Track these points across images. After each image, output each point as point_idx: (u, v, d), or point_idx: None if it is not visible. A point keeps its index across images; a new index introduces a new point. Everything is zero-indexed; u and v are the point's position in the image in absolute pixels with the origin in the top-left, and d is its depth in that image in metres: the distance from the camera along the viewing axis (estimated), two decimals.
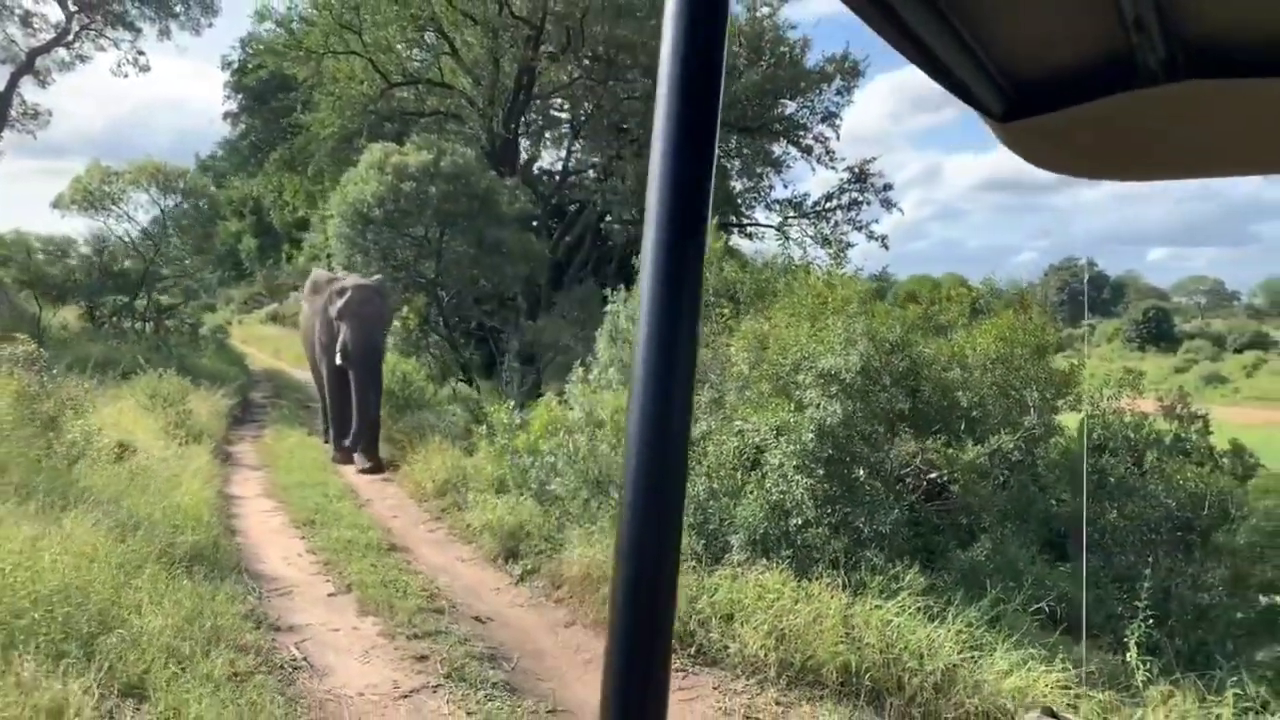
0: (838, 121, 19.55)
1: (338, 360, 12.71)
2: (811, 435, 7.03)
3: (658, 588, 0.75)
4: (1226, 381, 46.67)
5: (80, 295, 18.46)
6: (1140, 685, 5.67)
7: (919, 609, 6.21)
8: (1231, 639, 6.46)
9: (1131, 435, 8.16)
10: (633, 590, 0.75)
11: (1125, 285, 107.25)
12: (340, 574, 7.32)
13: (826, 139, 19.67)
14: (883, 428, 7.44)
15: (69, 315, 21.05)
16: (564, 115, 23.24)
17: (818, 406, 7.21)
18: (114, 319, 19.59)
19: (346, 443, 12.74)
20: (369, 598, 6.75)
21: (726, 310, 10.23)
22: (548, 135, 23.87)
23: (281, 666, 5.34)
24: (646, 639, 0.76)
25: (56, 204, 18.05)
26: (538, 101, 21.41)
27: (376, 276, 14.30)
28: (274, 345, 34.08)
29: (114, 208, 17.88)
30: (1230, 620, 6.56)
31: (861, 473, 7.16)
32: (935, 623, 6.10)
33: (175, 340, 19.29)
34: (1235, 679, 5.64)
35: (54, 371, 9.93)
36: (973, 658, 5.78)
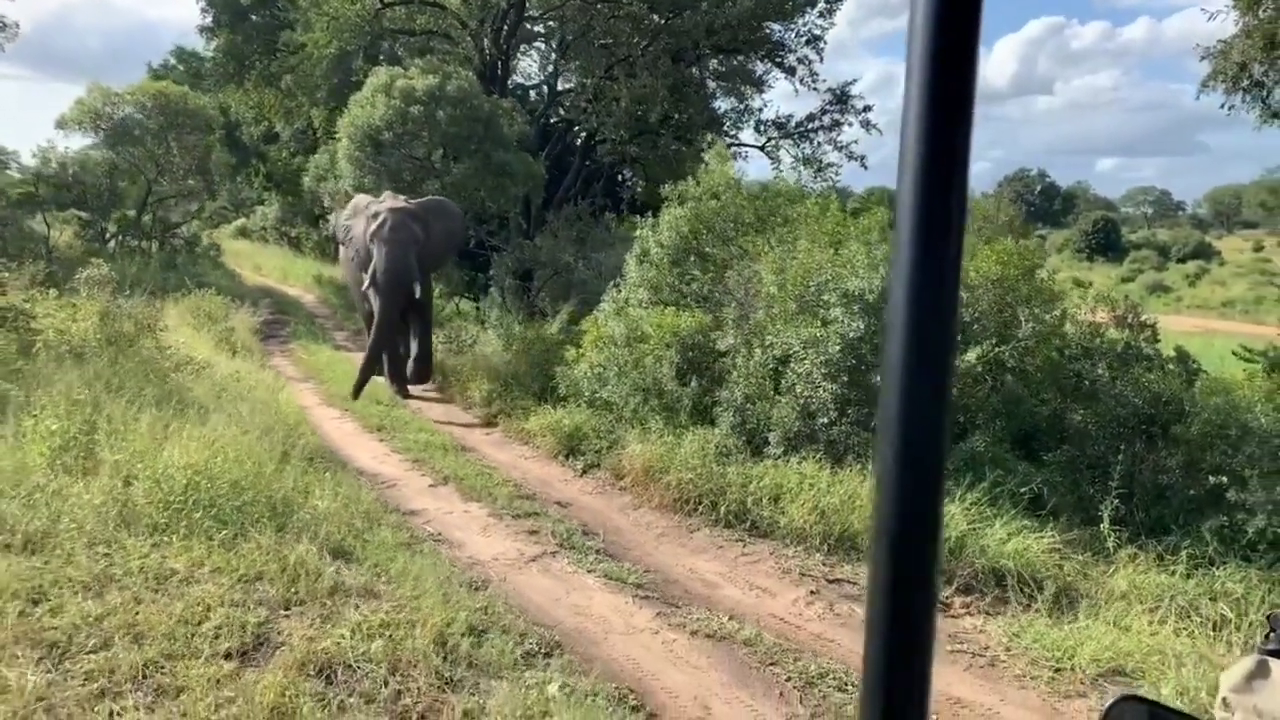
0: (821, 45, 20.43)
1: (364, 287, 12.24)
2: (838, 347, 8.20)
3: (917, 578, 0.72)
4: (1170, 290, 48.57)
5: (93, 212, 18.92)
6: (1111, 549, 7.02)
7: None
8: (1185, 512, 7.79)
9: (1086, 344, 9.40)
10: (891, 580, 0.72)
11: (1075, 196, 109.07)
12: (433, 469, 8.45)
13: (810, 61, 20.53)
14: None
15: (66, 234, 21.45)
16: (550, 33, 23.60)
17: (841, 323, 8.36)
18: (119, 237, 20.09)
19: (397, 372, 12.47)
20: (467, 487, 7.92)
21: (736, 236, 11.28)
22: (535, 54, 24.36)
23: (424, 540, 6.47)
24: (906, 623, 0.72)
25: (60, 125, 18.40)
26: (527, 23, 21.85)
27: (431, 197, 13.82)
28: (252, 260, 34.38)
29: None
30: (1184, 497, 7.89)
31: (878, 379, 8.34)
32: (948, 500, 7.39)
33: (183, 259, 19.89)
34: (1188, 543, 7.00)
35: (127, 293, 10.71)
36: (977, 529, 7.07)
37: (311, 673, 3.95)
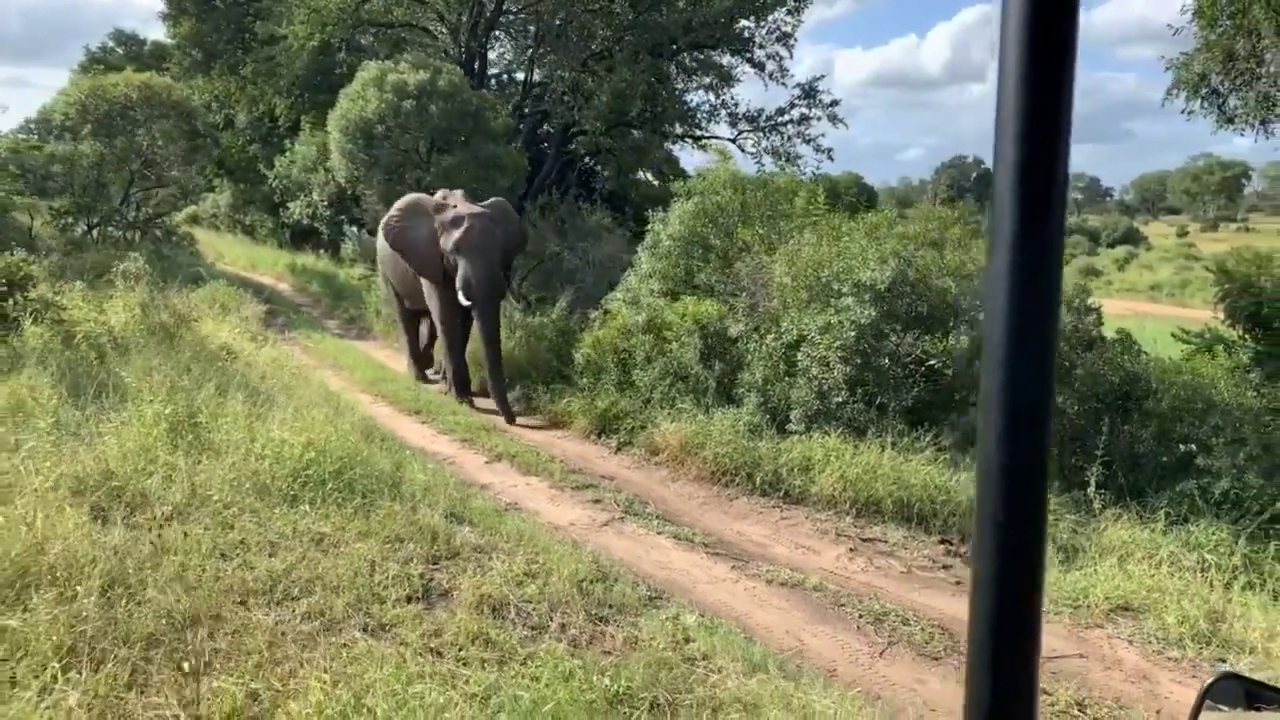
0: (792, 41, 21.32)
1: (463, 301, 11.57)
2: (853, 333, 9.05)
3: (1021, 584, 0.70)
4: (1100, 274, 50.68)
5: (79, 203, 19.06)
6: (1097, 510, 7.98)
7: (943, 460, 8.40)
8: (1158, 477, 8.81)
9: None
10: (995, 582, 0.70)
11: None
12: (484, 448, 9.15)
13: (781, 57, 21.43)
14: (900, 326, 9.47)
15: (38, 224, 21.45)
16: (518, 23, 24.09)
17: (853, 310, 9.21)
18: (100, 227, 20.22)
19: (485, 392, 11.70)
20: (521, 463, 8.63)
21: (737, 229, 12.09)
22: (510, 45, 24.86)
23: (506, 508, 7.18)
24: (1011, 633, 0.70)
25: (45, 116, 18.45)
26: (504, 15, 22.37)
27: (495, 199, 13.09)
28: (213, 248, 34.28)
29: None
30: (1158, 464, 8.91)
31: (886, 362, 9.24)
32: (955, 469, 8.30)
33: (169, 249, 20.11)
34: (1164, 504, 7.98)
35: (161, 286, 11.16)
36: None
37: (486, 611, 4.67)
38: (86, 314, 10.96)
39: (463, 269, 11.49)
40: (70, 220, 20.58)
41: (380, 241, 13.36)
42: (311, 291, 22.73)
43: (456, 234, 11.61)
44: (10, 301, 10.34)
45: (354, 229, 23.77)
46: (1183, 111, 10.76)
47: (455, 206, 12.03)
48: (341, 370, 13.08)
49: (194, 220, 47.92)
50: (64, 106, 18.81)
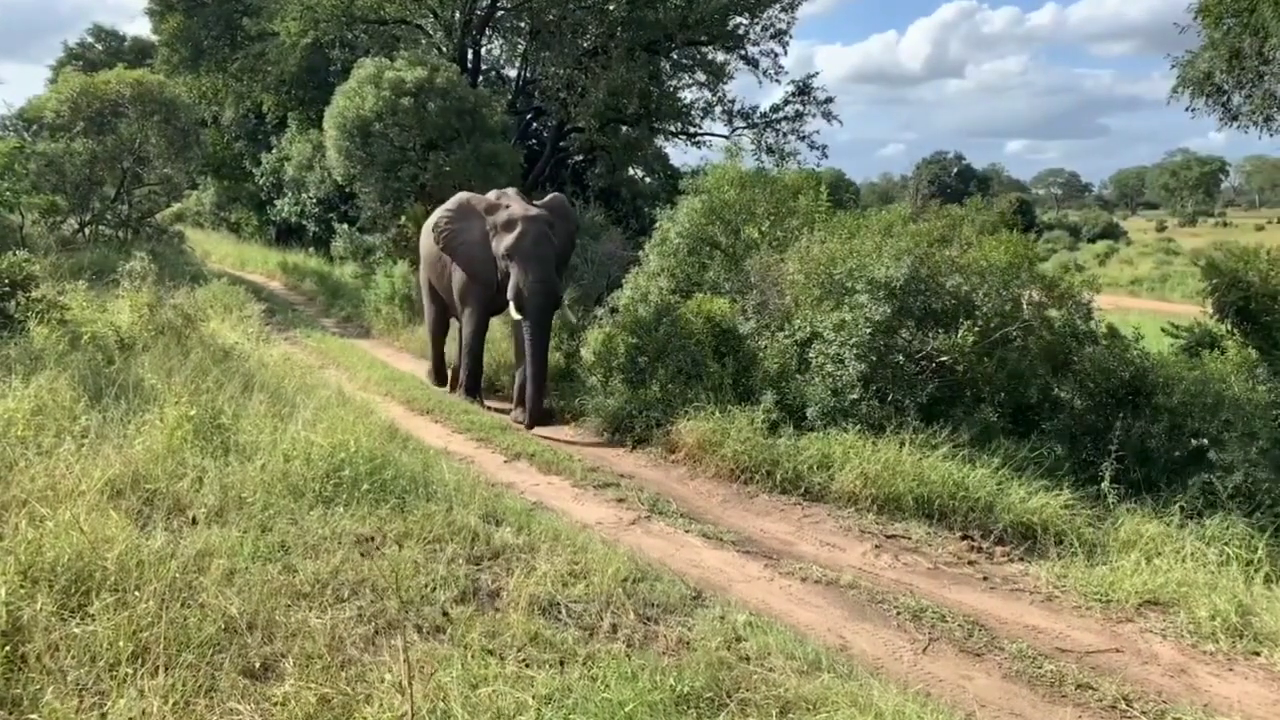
0: (787, 39, 21.39)
1: (513, 314, 10.75)
2: (868, 330, 9.08)
3: None
4: (1082, 269, 51.06)
5: (72, 202, 18.90)
6: (1112, 504, 8.04)
7: (960, 456, 8.43)
8: (1169, 472, 8.88)
9: (1073, 325, 10.45)
10: None
11: (990, 178, 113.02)
12: (501, 447, 9.13)
13: (776, 54, 21.51)
14: (913, 323, 9.51)
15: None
16: (510, 17, 24.03)
17: (868, 308, 9.24)
18: (93, 225, 20.05)
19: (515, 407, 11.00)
20: (541, 462, 8.62)
21: (744, 227, 12.12)
22: (502, 44, 24.79)
23: (533, 507, 7.17)
24: None
25: (36, 113, 18.26)
26: (498, 11, 22.31)
27: (552, 195, 12.20)
28: (201, 246, 34.03)
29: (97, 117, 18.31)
30: (1170, 458, 8.98)
31: (900, 358, 9.28)
32: (971, 465, 8.34)
33: (164, 248, 19.97)
34: (1178, 498, 8.04)
35: (168, 284, 11.06)
36: (1001, 489, 8.03)
37: (537, 612, 4.67)
38: (91, 315, 10.86)
39: (515, 277, 10.63)
40: (59, 219, 20.40)
41: (424, 242, 12.48)
42: (305, 290, 22.60)
43: (509, 238, 10.73)
44: (13, 302, 10.23)
45: (345, 226, 23.64)
46: (1187, 109, 10.88)
47: (509, 207, 11.07)
48: (347, 370, 13.01)
49: (178, 218, 47.52)
50: (55, 104, 18.64)
